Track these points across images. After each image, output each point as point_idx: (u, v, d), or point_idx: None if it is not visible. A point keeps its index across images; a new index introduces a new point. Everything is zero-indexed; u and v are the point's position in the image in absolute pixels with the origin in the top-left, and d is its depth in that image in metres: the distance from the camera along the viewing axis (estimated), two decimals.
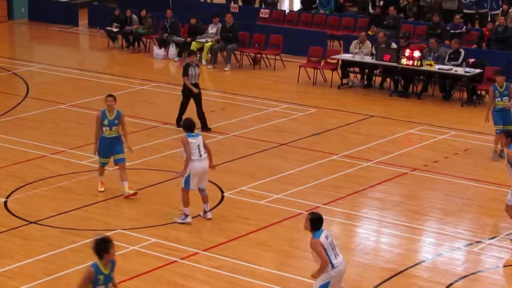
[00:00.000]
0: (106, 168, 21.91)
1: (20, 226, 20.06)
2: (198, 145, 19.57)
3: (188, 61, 26.86)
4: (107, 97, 21.40)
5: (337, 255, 14.77)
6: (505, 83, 24.02)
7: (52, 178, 22.91)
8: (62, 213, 20.73)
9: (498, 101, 23.82)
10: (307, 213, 14.91)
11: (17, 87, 31.93)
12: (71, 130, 26.86)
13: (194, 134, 19.71)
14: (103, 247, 13.36)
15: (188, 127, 19.83)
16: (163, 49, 36.14)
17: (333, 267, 14.51)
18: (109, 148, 21.30)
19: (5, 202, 21.36)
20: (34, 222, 20.24)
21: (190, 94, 26.38)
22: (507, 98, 23.67)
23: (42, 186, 22.45)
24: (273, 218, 20.30)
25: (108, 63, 35.95)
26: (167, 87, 32.03)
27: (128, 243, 19.04)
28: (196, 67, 26.41)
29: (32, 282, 17.29)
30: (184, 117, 24.54)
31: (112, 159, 21.57)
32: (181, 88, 26.72)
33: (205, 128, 26.21)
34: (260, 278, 17.67)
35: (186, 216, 19.81)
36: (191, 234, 19.65)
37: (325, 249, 14.50)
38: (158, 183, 22.37)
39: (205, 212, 20.14)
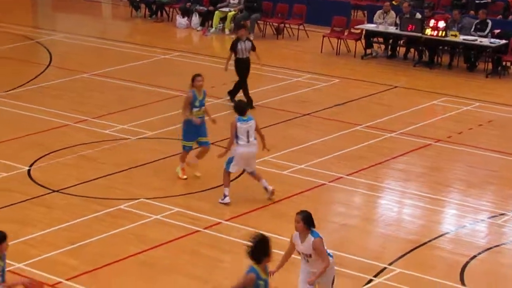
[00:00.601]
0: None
1: (43, 195, 20.16)
2: (248, 131, 19.22)
3: (237, 35, 26.26)
4: (197, 77, 20.76)
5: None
6: None
7: (75, 147, 22.97)
8: (85, 182, 20.82)
9: None
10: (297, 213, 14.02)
11: (40, 56, 32.03)
12: (94, 99, 26.93)
13: (245, 118, 19.32)
14: (263, 249, 12.59)
15: (239, 110, 19.50)
16: (186, 18, 36.17)
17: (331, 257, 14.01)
18: (196, 130, 20.70)
19: (29, 171, 21.46)
20: (57, 191, 20.34)
21: (243, 67, 25.92)
22: None
23: (65, 155, 22.53)
24: (295, 189, 20.34)
25: (130, 32, 36.02)
26: (190, 57, 32.08)
27: (151, 212, 19.13)
28: (246, 41, 25.87)
29: (54, 250, 17.37)
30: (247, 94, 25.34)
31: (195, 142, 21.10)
32: (233, 65, 26.20)
33: (232, 97, 25.94)
34: (282, 248, 17.66)
35: (225, 196, 19.59)
36: (213, 204, 19.66)
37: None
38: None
39: (266, 189, 19.86)
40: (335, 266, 14.15)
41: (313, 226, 13.95)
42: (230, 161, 19.43)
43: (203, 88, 20.72)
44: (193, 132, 20.59)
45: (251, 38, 33.18)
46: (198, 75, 20.73)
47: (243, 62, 25.77)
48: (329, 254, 13.94)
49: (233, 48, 25.72)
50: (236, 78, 26.01)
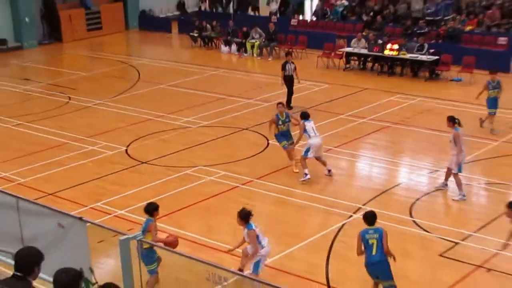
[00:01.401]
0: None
1: (136, 165, 20.32)
2: (312, 127, 18.83)
3: (286, 60, 25.58)
4: (278, 105, 19.87)
5: (264, 238, 13.09)
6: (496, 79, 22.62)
7: (156, 133, 23.09)
8: (163, 156, 20.93)
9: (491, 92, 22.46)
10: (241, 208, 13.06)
11: (132, 74, 32.12)
12: (168, 102, 26.92)
13: (309, 119, 18.89)
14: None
15: (305, 115, 18.97)
16: (227, 47, 36.16)
17: (262, 247, 13.00)
18: (282, 137, 19.76)
19: (126, 150, 21.63)
20: (145, 162, 20.49)
21: (289, 81, 25.28)
22: (497, 89, 22.40)
23: (150, 139, 22.65)
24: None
25: (191, 56, 36.02)
26: (231, 72, 32.07)
27: (206, 175, 19.25)
28: (291, 63, 25.29)
29: (145, 201, 17.51)
30: (291, 99, 25.27)
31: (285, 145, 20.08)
32: (280, 79, 25.60)
33: (288, 105, 25.09)
34: (300, 197, 17.83)
35: (306, 174, 18.64)
36: (248, 168, 19.77)
37: (257, 236, 12.92)
38: (225, 135, 22.46)
39: (329, 170, 19.20)
40: (261, 257, 13.04)
41: (248, 221, 12.89)
42: (307, 150, 18.68)
43: (285, 111, 19.94)
44: (281, 137, 19.73)
45: (270, 59, 33.35)
46: (279, 103, 20.12)
47: (289, 78, 25.37)
48: (261, 245, 12.92)
49: (283, 68, 25.27)
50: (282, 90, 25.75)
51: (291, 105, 25.30)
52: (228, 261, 13.92)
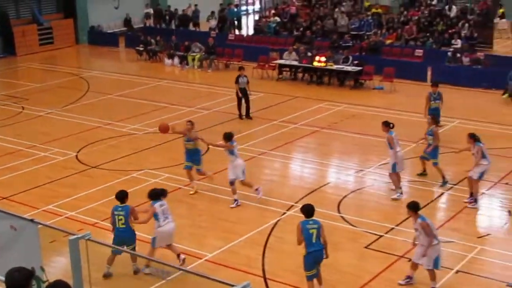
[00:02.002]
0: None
1: (86, 170, 20.03)
2: (397, 140, 17.45)
3: (239, 74, 25.02)
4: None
5: (166, 219, 13.62)
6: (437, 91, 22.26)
7: (105, 140, 22.80)
8: (112, 160, 20.68)
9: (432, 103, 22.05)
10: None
11: (82, 85, 31.62)
12: (116, 110, 26.60)
13: (393, 132, 17.37)
14: None
15: (388, 124, 17.53)
16: (170, 59, 35.92)
17: (159, 226, 13.58)
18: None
19: (77, 155, 21.28)
20: (95, 167, 20.20)
21: (241, 94, 24.75)
22: (438, 101, 22.08)
23: (99, 145, 22.35)
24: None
25: (137, 68, 35.63)
26: (174, 83, 31.83)
27: (152, 177, 19.00)
28: (244, 77, 24.87)
29: (95, 202, 17.33)
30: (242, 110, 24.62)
31: None
32: (234, 92, 25.11)
33: (248, 116, 24.93)
34: (237, 197, 17.75)
35: (401, 193, 17.52)
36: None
37: (157, 214, 13.51)
38: (169, 141, 22.22)
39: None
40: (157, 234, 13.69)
41: (155, 199, 13.72)
42: (394, 166, 17.45)
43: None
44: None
45: (209, 71, 33.22)
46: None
47: (242, 90, 24.82)
48: (158, 223, 13.58)
49: (236, 81, 24.79)
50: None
51: (250, 115, 24.99)
52: (170, 256, 13.81)
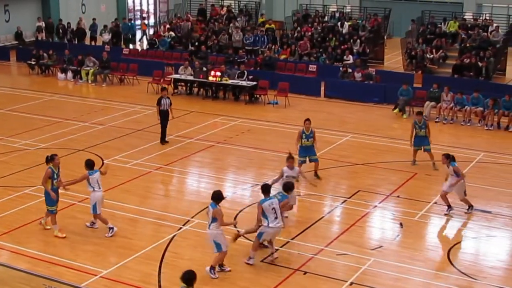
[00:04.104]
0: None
1: None
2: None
3: (161, 95, 23.70)
4: (306, 121, 19.93)
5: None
6: (423, 119, 21.80)
7: None
8: (3, 176, 20.13)
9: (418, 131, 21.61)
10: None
11: None
12: (6, 126, 25.78)
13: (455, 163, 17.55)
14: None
15: (448, 157, 17.63)
16: (63, 74, 35.24)
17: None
18: (306, 151, 19.89)
19: None
20: None
21: (163, 116, 23.49)
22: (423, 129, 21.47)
23: None
24: (129, 174, 20.22)
25: (29, 83, 34.71)
26: (67, 97, 31.20)
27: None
28: (166, 98, 23.63)
29: None
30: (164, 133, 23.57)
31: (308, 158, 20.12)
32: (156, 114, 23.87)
33: (163, 139, 23.61)
34: (131, 212, 17.52)
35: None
36: (83, 186, 19.15)
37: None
38: (62, 156, 21.77)
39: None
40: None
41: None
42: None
43: (311, 128, 19.97)
44: (304, 152, 19.93)
45: (104, 85, 32.73)
46: (307, 119, 20.00)
47: (164, 113, 23.57)
48: None
49: (158, 103, 23.54)
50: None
51: (166, 139, 23.79)
52: (66, 274, 13.57)
